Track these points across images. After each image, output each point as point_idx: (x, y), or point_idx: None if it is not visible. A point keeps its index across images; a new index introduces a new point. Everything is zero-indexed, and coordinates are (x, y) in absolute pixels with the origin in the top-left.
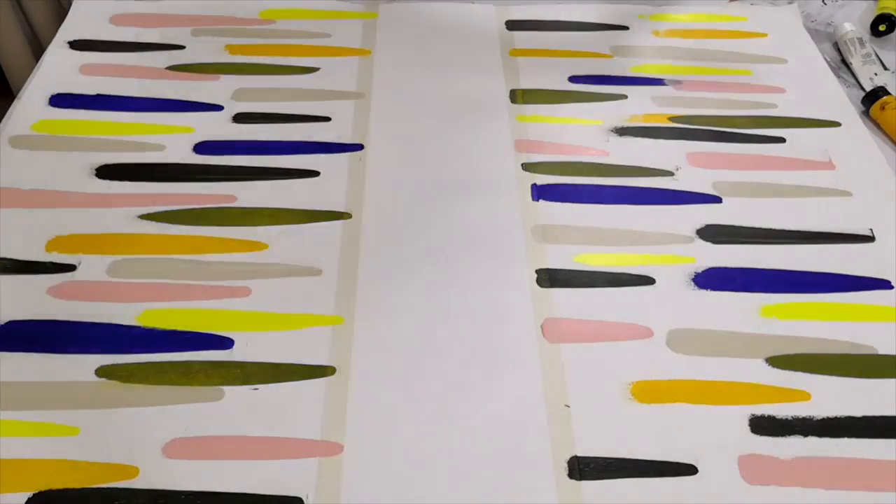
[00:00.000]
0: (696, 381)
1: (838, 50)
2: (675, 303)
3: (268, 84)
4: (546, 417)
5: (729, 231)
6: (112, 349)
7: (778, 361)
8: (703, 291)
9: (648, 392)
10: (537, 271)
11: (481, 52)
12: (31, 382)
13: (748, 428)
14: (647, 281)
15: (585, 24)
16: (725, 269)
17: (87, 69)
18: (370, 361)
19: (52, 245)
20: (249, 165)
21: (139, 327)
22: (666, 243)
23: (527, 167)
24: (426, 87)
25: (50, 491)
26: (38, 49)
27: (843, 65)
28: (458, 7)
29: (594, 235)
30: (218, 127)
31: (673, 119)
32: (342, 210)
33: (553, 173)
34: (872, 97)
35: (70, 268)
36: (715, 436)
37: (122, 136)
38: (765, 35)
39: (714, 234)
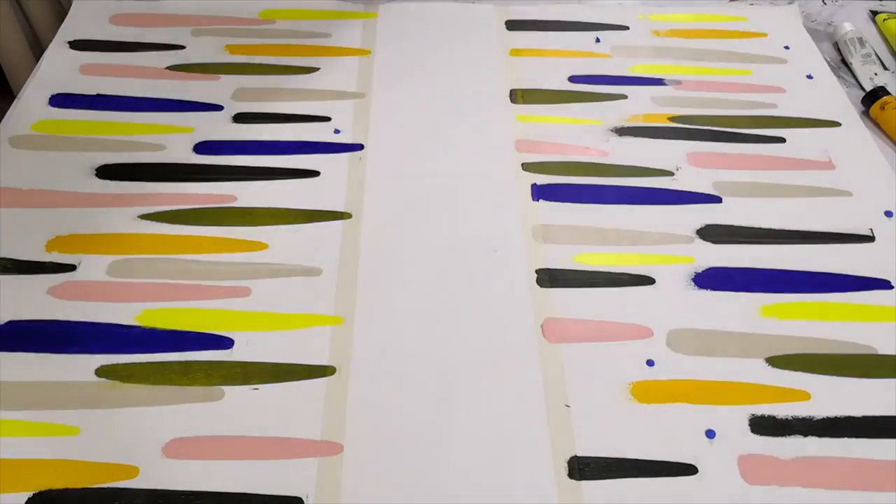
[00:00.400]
0: (696, 381)
1: (838, 50)
2: (675, 303)
3: (268, 84)
4: (546, 417)
5: (729, 231)
6: (112, 349)
7: (778, 361)
8: (703, 291)
9: (648, 392)
10: (537, 271)
11: (481, 52)
12: (31, 382)
13: (748, 428)
14: (647, 281)
15: (585, 24)
16: (725, 269)
17: (87, 69)
18: (370, 361)
19: (52, 245)
20: (249, 165)
21: (139, 327)
22: (666, 243)
23: (527, 167)
24: (426, 86)
25: (50, 491)
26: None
27: (843, 65)
28: (458, 7)
29: (594, 235)
30: (218, 127)
31: (673, 119)
32: (342, 210)
33: (553, 173)
34: (872, 97)
35: (70, 268)
36: (715, 436)
37: (122, 136)
38: (765, 35)
39: (714, 234)
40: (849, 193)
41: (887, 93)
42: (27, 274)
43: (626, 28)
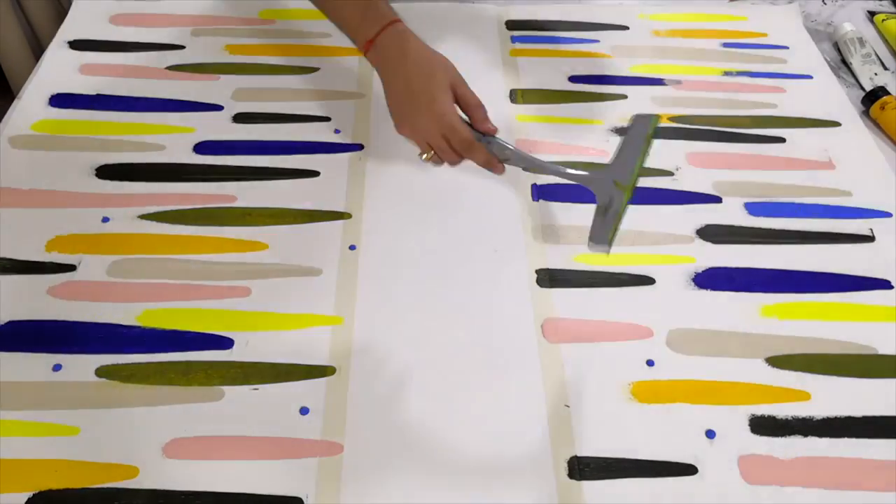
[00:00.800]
0: (696, 381)
1: (838, 50)
2: (675, 303)
3: (268, 84)
4: (546, 417)
5: (729, 231)
6: (112, 349)
7: (778, 361)
8: (703, 291)
9: (648, 392)
10: (537, 271)
11: (481, 52)
12: (31, 382)
13: (748, 428)
14: (647, 281)
15: (585, 24)
16: (725, 269)
17: (87, 69)
18: (370, 361)
19: (52, 245)
20: (249, 165)
21: (139, 327)
22: (666, 243)
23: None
24: None
25: (50, 491)
26: (38, 49)
27: (843, 65)
28: (458, 7)
29: None
30: (218, 127)
31: (673, 119)
32: (342, 210)
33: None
34: (872, 97)
35: (70, 268)
36: (715, 436)
37: (122, 136)
38: (765, 35)
39: (714, 234)
40: (849, 193)
41: (887, 93)
42: (27, 274)
43: (626, 28)
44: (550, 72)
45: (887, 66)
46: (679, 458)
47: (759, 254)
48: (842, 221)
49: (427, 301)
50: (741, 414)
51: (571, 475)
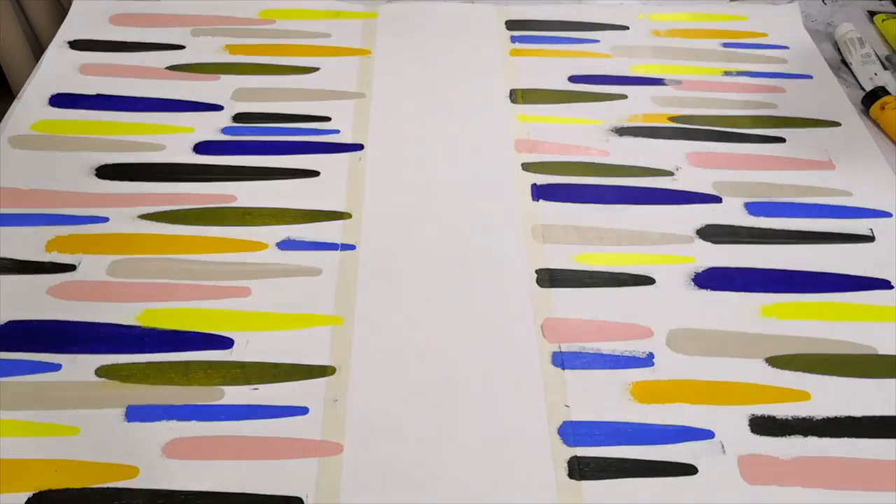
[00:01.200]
0: (696, 381)
1: (838, 50)
2: (675, 303)
3: (268, 84)
4: (546, 417)
5: (729, 231)
6: (112, 349)
7: (778, 361)
8: (703, 291)
9: (648, 392)
10: (537, 271)
11: (481, 52)
12: (31, 382)
13: (748, 428)
14: (647, 281)
15: (585, 24)
16: (725, 269)
17: (87, 69)
18: (370, 361)
19: (52, 245)
20: (249, 165)
21: (139, 327)
22: (666, 243)
23: (527, 167)
24: (426, 87)
25: (50, 491)
26: (38, 49)
27: (843, 65)
28: (458, 7)
29: (594, 235)
30: (218, 127)
31: (673, 119)
32: (342, 210)
33: (553, 173)
34: (872, 97)
35: (70, 268)
36: (715, 436)
37: (122, 136)
38: (765, 35)
39: (714, 234)
40: (849, 193)
41: (887, 93)
42: (27, 274)
43: (626, 28)
44: (550, 72)
45: (887, 66)
46: (679, 458)
47: (759, 254)
48: (842, 221)
49: (427, 301)
50: (741, 414)
51: (571, 475)
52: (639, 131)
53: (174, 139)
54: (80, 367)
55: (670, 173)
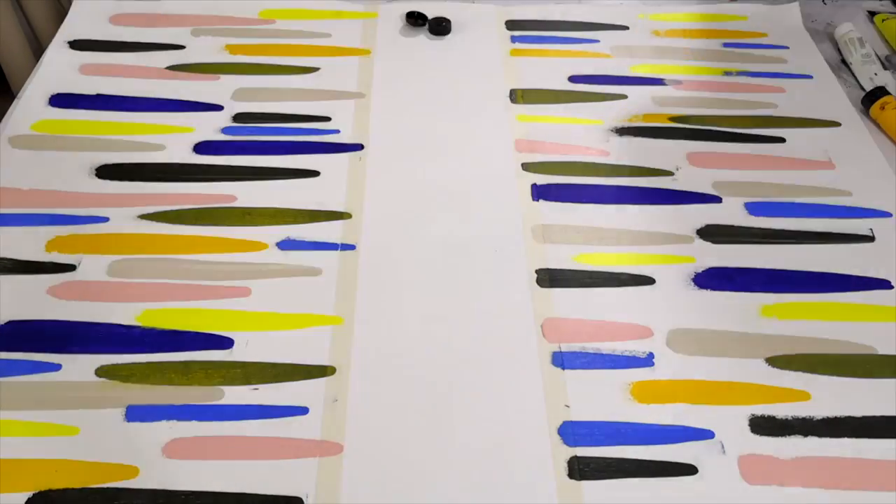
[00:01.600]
0: (696, 381)
1: (838, 50)
2: (675, 303)
3: (268, 84)
4: (546, 417)
5: (729, 231)
6: (112, 349)
7: (778, 361)
8: (703, 291)
9: (648, 392)
10: (537, 271)
11: (481, 52)
12: (31, 382)
13: (748, 428)
14: (647, 281)
15: (585, 24)
16: (725, 269)
17: (87, 69)
18: (370, 361)
19: (52, 245)
20: (249, 165)
21: (139, 327)
22: (666, 243)
23: (527, 167)
24: (426, 87)
25: (50, 491)
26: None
27: (843, 65)
28: (458, 7)
29: (594, 235)
30: (218, 127)
31: (673, 119)
32: (342, 210)
33: (553, 173)
34: (872, 97)
35: (70, 268)
36: (715, 436)
37: (122, 136)
38: (765, 35)
39: (714, 234)
40: (849, 193)
41: (887, 93)
42: (27, 274)
43: (626, 28)
44: (550, 72)
45: (887, 66)
46: (679, 458)
47: (759, 254)
48: (842, 221)
49: (427, 301)
50: (741, 414)
51: (571, 475)
52: (639, 131)
53: (174, 139)
54: (80, 367)
55: (670, 173)
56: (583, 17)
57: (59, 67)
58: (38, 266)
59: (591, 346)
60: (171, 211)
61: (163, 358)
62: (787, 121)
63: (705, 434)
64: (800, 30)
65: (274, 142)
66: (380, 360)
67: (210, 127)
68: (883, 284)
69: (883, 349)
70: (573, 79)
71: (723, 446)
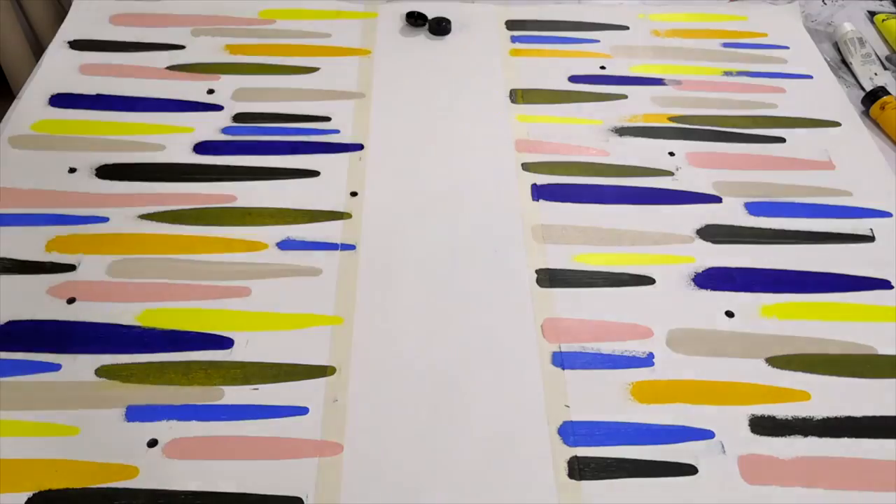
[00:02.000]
0: (696, 381)
1: (838, 50)
2: (675, 303)
3: (268, 84)
4: (546, 417)
5: (729, 231)
6: (112, 349)
7: (778, 361)
8: (703, 291)
9: (648, 392)
10: (537, 271)
11: (481, 52)
12: (31, 382)
13: (748, 428)
14: (647, 281)
15: (585, 24)
16: (725, 269)
17: (87, 69)
18: (370, 361)
19: (52, 245)
20: (249, 165)
21: (139, 327)
22: (666, 243)
23: (527, 167)
24: (426, 87)
25: (50, 491)
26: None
27: (843, 65)
28: (458, 7)
29: (594, 235)
30: (218, 127)
31: (673, 119)
32: (342, 210)
33: (553, 173)
34: (872, 97)
35: (70, 268)
36: (715, 436)
37: (122, 136)
38: (765, 35)
39: (714, 234)
40: (849, 193)
41: (887, 93)
42: (27, 274)
43: (626, 28)
44: (550, 72)
45: (887, 66)
46: (679, 458)
47: (759, 254)
48: (842, 221)
49: (427, 301)
50: (741, 414)
51: (571, 475)
52: (639, 131)
53: (174, 139)
54: (80, 367)
55: (670, 173)
56: (583, 17)
57: (59, 67)
58: (38, 266)
59: (591, 346)
60: (171, 211)
61: (163, 358)
62: (787, 121)
63: (705, 434)
64: (800, 30)
65: (274, 142)
66: (380, 360)
67: (210, 127)
68: (883, 284)
69: (883, 349)
70: (573, 79)
71: (723, 446)
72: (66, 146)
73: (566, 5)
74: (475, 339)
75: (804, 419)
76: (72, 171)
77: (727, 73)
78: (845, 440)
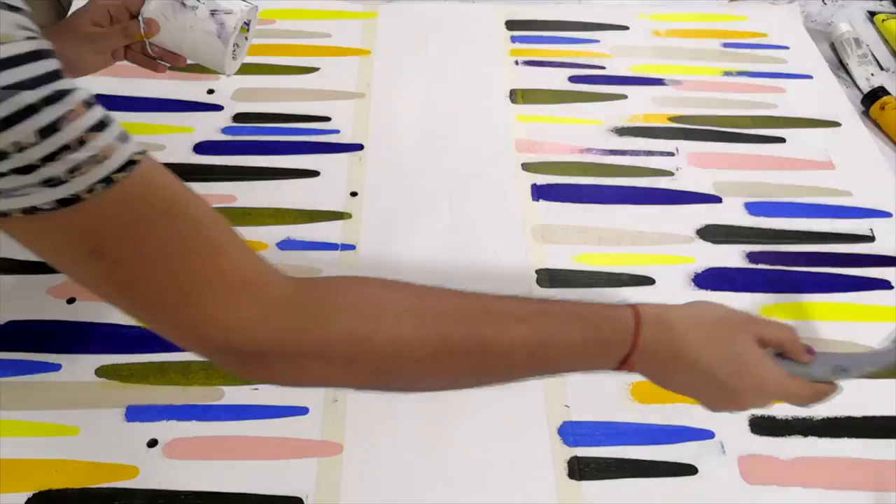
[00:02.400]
0: None
1: (835, 50)
2: (674, 303)
3: (268, 84)
4: (546, 417)
5: (729, 231)
6: (112, 349)
7: None
8: (703, 291)
9: (648, 392)
10: (537, 271)
11: (481, 52)
12: (31, 382)
13: (748, 428)
14: (647, 281)
15: (585, 24)
16: (725, 269)
17: None
18: None
19: None
20: (249, 165)
21: (139, 327)
22: (666, 243)
23: (527, 167)
24: (426, 86)
25: (50, 491)
26: None
27: (842, 65)
28: (458, 7)
29: (594, 235)
30: (218, 127)
31: (673, 119)
32: (342, 210)
33: (553, 173)
34: (872, 97)
35: None
36: (715, 436)
37: None
38: (765, 35)
39: (714, 234)
40: (849, 193)
41: (887, 93)
42: (27, 274)
43: (626, 28)
44: (550, 72)
45: (885, 66)
46: (679, 458)
47: (760, 254)
48: (842, 221)
49: None
50: (741, 414)
51: (571, 475)
52: (639, 131)
53: (174, 139)
54: (80, 367)
55: (670, 173)
56: (583, 17)
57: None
58: (38, 266)
59: None
60: None
61: (163, 358)
62: (787, 121)
63: (705, 434)
64: (800, 30)
65: (274, 142)
66: None
67: (210, 127)
68: (883, 284)
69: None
70: (573, 79)
71: (723, 446)
72: None
73: (566, 5)
74: None
75: (804, 419)
76: None
77: (727, 73)
78: (845, 440)
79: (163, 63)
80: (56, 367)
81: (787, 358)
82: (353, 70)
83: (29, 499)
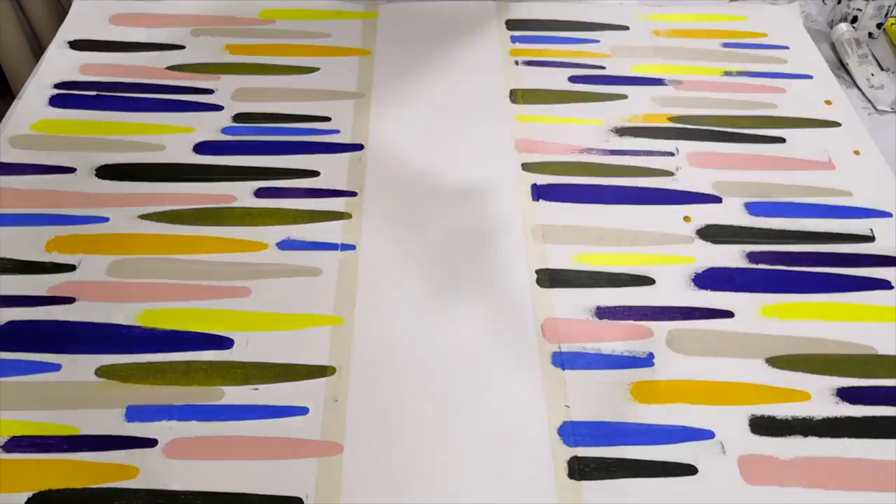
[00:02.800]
0: (696, 381)
1: (835, 51)
2: (675, 303)
3: (268, 84)
4: (546, 417)
5: (729, 231)
6: (112, 349)
7: (778, 361)
8: (703, 291)
9: (648, 392)
10: (537, 271)
11: (481, 52)
12: (31, 382)
13: (748, 428)
14: (647, 281)
15: (585, 24)
16: (725, 269)
17: (87, 69)
18: (370, 361)
19: (52, 245)
20: (249, 165)
21: (139, 327)
22: (666, 243)
23: (527, 167)
24: (426, 87)
25: (50, 491)
26: (38, 49)
27: (842, 65)
28: (458, 6)
29: (594, 235)
30: (218, 127)
31: (673, 119)
32: (342, 211)
33: (553, 173)
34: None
35: (70, 268)
36: (715, 436)
37: (122, 136)
38: (765, 35)
39: (714, 234)
40: (849, 193)
41: None
42: (27, 274)
43: (626, 28)
44: (550, 72)
45: (885, 66)
46: (679, 458)
47: (760, 254)
48: (842, 221)
49: (427, 301)
50: (741, 414)
51: (571, 475)
52: (639, 131)
53: (174, 139)
54: (80, 367)
55: (670, 173)
56: (583, 17)
57: (59, 67)
58: (38, 266)
59: (591, 346)
60: (171, 211)
61: (163, 358)
62: (787, 121)
63: (705, 434)
64: (800, 30)
65: (274, 142)
66: (380, 360)
67: (210, 127)
68: (883, 284)
69: (883, 349)
70: (573, 79)
71: (723, 446)
72: (66, 146)
73: (566, 5)
74: (475, 340)
75: (804, 419)
76: (72, 171)
77: (727, 73)
78: (845, 440)
79: None
80: (56, 367)
81: None
82: (353, 70)
83: (29, 499)
